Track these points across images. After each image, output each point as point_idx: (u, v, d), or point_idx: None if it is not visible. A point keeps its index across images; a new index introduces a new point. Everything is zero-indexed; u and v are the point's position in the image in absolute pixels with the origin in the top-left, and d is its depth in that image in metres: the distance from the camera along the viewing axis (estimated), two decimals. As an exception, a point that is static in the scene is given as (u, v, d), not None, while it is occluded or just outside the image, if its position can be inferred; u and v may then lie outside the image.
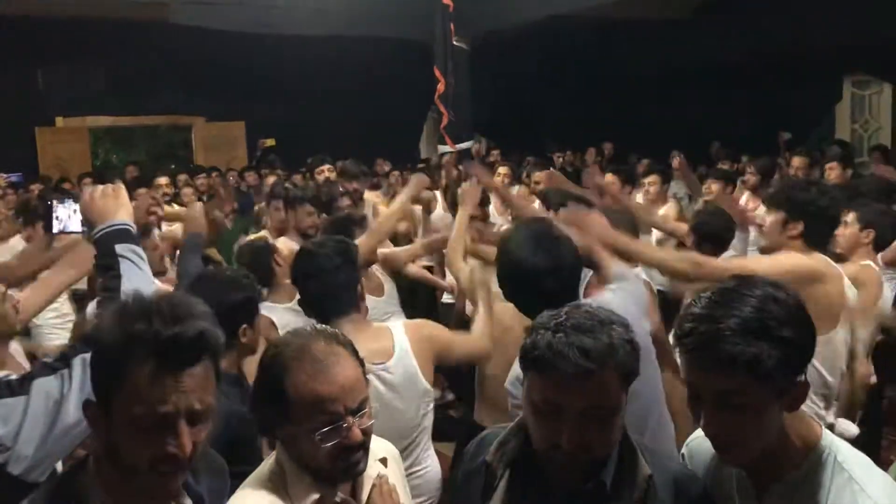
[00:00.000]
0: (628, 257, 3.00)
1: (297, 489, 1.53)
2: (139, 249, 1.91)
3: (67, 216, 2.27)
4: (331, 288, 2.51)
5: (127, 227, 1.93)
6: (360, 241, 3.55)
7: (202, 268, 3.31)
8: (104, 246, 1.89)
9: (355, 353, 1.59)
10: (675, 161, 7.23)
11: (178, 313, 1.28)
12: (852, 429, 2.84)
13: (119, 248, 1.87)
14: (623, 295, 2.26)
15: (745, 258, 3.83)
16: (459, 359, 2.84)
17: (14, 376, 1.70)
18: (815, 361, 2.68)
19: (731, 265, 3.03)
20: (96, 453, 1.34)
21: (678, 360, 1.49)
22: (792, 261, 2.84)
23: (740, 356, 1.31)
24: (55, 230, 2.27)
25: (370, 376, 2.29)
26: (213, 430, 1.90)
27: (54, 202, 2.31)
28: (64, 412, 1.62)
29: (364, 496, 1.61)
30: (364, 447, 1.54)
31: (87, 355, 1.42)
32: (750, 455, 1.42)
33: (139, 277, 1.85)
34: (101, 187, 1.99)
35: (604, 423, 1.44)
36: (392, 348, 2.51)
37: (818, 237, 2.94)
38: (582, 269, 2.30)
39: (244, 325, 2.53)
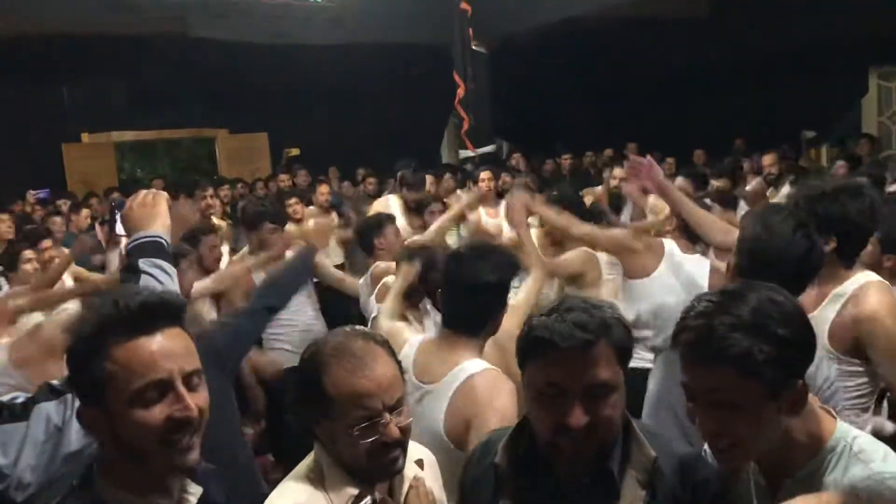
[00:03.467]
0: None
1: (335, 485, 1.55)
2: (164, 264, 1.88)
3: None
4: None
5: (158, 239, 1.90)
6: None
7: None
8: (130, 260, 1.87)
9: (392, 352, 1.61)
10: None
11: (138, 290, 1.35)
12: (888, 426, 2.74)
13: (142, 264, 1.84)
14: None
15: None
16: None
17: (20, 399, 1.69)
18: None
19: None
20: (102, 457, 1.35)
21: None
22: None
23: (729, 350, 1.32)
24: (119, 232, 2.29)
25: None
26: None
27: (116, 205, 2.32)
28: (66, 439, 1.61)
29: (401, 496, 1.62)
30: (402, 445, 1.56)
31: None
32: (748, 457, 1.43)
33: None
34: (141, 194, 1.96)
35: (605, 400, 1.45)
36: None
37: (851, 252, 2.53)
38: None
39: None
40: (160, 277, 1.85)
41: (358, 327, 1.68)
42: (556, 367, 1.45)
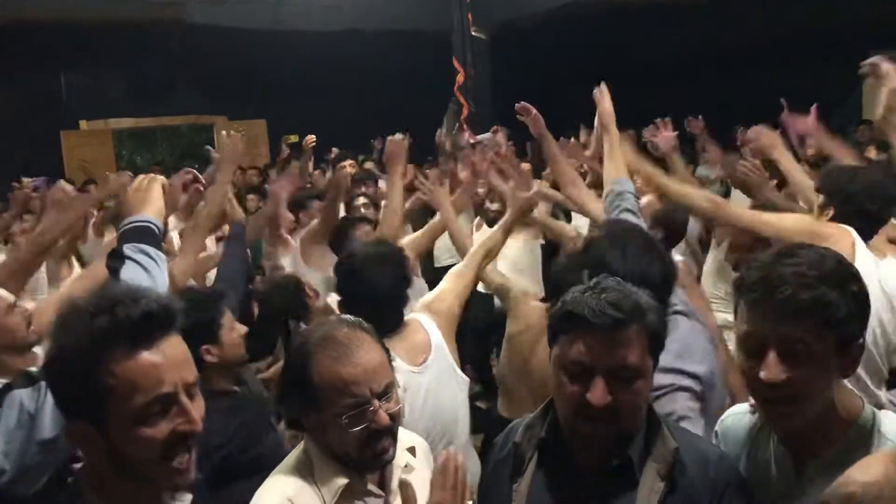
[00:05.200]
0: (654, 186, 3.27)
1: (325, 475, 1.54)
2: (151, 249, 1.82)
3: None
4: (382, 309, 2.39)
5: (148, 224, 1.86)
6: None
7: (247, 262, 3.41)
8: (118, 245, 1.83)
9: (379, 339, 1.60)
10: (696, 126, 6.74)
11: (136, 296, 1.24)
12: None
13: (126, 250, 1.79)
14: (697, 327, 2.18)
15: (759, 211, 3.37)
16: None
17: None
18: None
19: (746, 212, 3.11)
20: (92, 472, 1.28)
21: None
22: (805, 221, 2.83)
23: (817, 301, 1.32)
24: None
25: (416, 376, 2.28)
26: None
27: None
28: (39, 426, 1.59)
29: (393, 485, 1.60)
30: (392, 433, 1.54)
31: None
32: (804, 416, 1.40)
33: (144, 280, 1.74)
34: (138, 179, 1.94)
35: (630, 385, 1.44)
36: (429, 344, 2.50)
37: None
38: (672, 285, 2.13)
39: (205, 346, 2.41)
40: (145, 264, 1.80)
41: (345, 316, 1.66)
42: (583, 344, 1.43)
